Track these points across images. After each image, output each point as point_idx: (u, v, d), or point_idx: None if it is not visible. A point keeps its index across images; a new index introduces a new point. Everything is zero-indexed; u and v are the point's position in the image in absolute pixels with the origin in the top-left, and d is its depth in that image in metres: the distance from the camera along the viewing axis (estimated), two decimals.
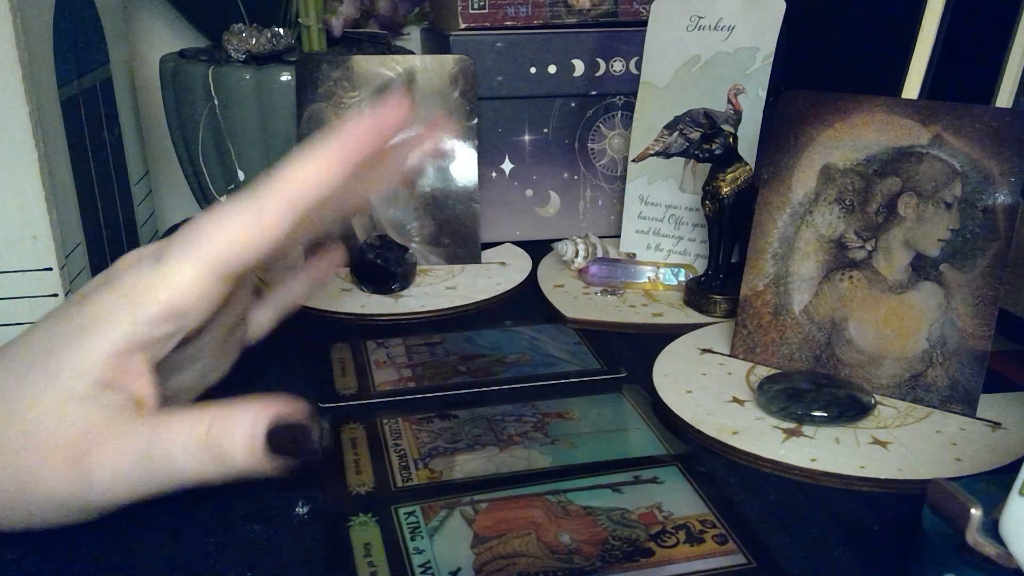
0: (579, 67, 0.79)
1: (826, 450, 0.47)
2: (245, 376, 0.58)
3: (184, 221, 0.94)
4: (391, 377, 0.57)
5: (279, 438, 0.37)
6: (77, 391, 0.38)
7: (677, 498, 0.43)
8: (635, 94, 0.77)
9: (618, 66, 0.79)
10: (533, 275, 0.74)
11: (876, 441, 0.48)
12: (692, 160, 0.70)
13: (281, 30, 0.77)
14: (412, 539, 0.40)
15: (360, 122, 0.39)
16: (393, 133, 0.40)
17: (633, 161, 0.76)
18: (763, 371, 0.56)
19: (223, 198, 0.79)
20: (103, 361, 0.38)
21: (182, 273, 0.38)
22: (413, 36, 0.94)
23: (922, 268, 0.53)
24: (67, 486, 0.38)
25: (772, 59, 0.70)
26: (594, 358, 0.60)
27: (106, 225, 0.71)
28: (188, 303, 0.39)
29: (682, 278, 0.70)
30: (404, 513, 0.42)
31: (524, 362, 0.59)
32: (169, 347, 0.40)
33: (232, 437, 0.37)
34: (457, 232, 0.75)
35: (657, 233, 0.76)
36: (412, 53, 0.85)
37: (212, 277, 0.39)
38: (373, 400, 0.54)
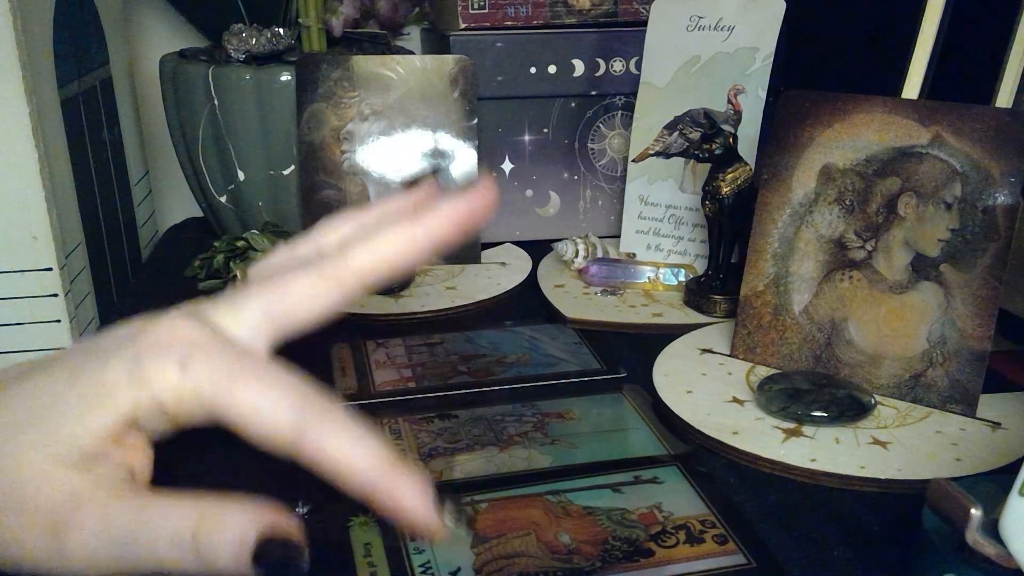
0: (579, 67, 0.79)
1: (826, 450, 0.47)
2: None
3: (185, 221, 0.94)
4: (391, 377, 0.57)
5: (269, 551, 0.34)
6: (70, 458, 0.36)
7: (677, 498, 0.43)
8: (635, 94, 0.77)
9: (618, 66, 0.79)
10: (533, 275, 0.74)
11: (876, 441, 0.48)
12: (692, 160, 0.70)
13: (281, 30, 0.77)
14: (412, 539, 0.40)
15: (452, 208, 0.36)
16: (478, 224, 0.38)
17: (633, 161, 0.76)
18: (763, 371, 0.56)
19: (223, 198, 0.79)
20: (104, 433, 0.36)
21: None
22: (413, 36, 0.94)
23: (922, 268, 0.53)
24: (42, 554, 0.36)
25: (772, 59, 0.70)
26: (594, 358, 0.60)
27: (106, 225, 0.71)
28: None
29: (682, 278, 0.70)
30: None
31: (524, 362, 0.59)
32: (170, 424, 0.38)
33: (221, 538, 0.35)
34: None
35: (657, 233, 0.76)
36: (412, 53, 0.85)
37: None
38: (373, 400, 0.54)
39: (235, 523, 0.35)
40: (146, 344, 0.37)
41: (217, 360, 0.36)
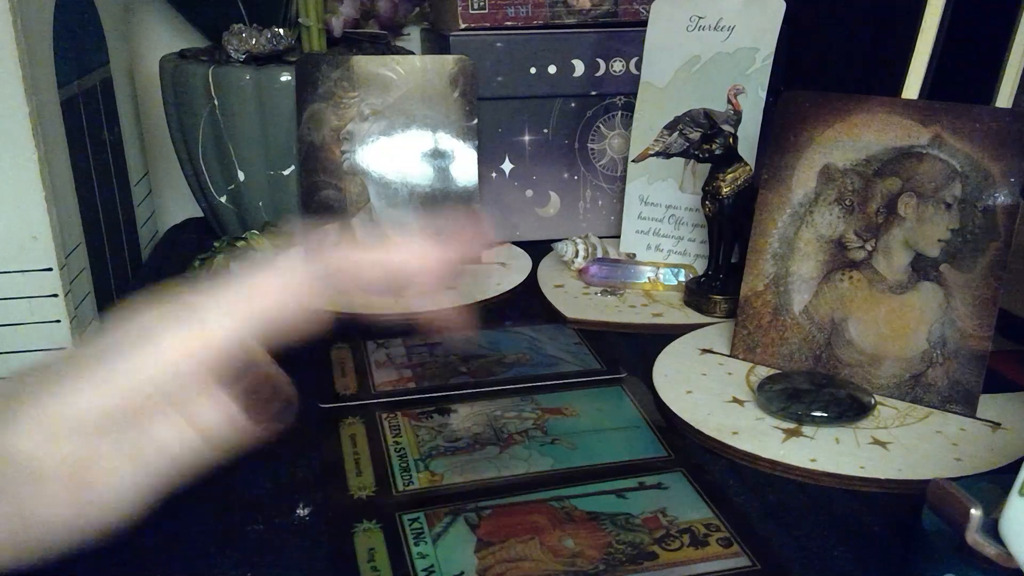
0: (579, 67, 0.79)
1: (826, 450, 0.47)
2: None
3: (185, 222, 0.94)
4: (391, 377, 0.57)
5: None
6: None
7: (682, 503, 0.43)
8: (635, 94, 0.77)
9: (618, 66, 0.79)
10: (533, 275, 0.74)
11: (876, 441, 0.48)
12: (692, 160, 0.70)
13: (281, 30, 0.77)
14: (416, 544, 0.40)
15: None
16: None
17: (633, 161, 0.76)
18: (763, 371, 0.56)
19: (223, 198, 0.79)
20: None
21: None
22: (413, 36, 0.94)
23: (922, 268, 0.53)
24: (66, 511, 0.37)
25: (772, 59, 0.70)
26: (594, 358, 0.60)
27: (106, 225, 0.71)
28: None
29: (682, 278, 0.70)
30: (408, 519, 0.42)
31: (524, 362, 0.59)
32: None
33: (211, 414, 0.38)
34: None
35: (657, 233, 0.76)
36: (412, 53, 0.85)
37: None
38: (373, 400, 0.54)
39: (211, 403, 0.37)
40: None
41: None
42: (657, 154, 0.70)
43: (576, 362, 0.59)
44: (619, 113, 0.81)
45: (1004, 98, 0.54)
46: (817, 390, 0.51)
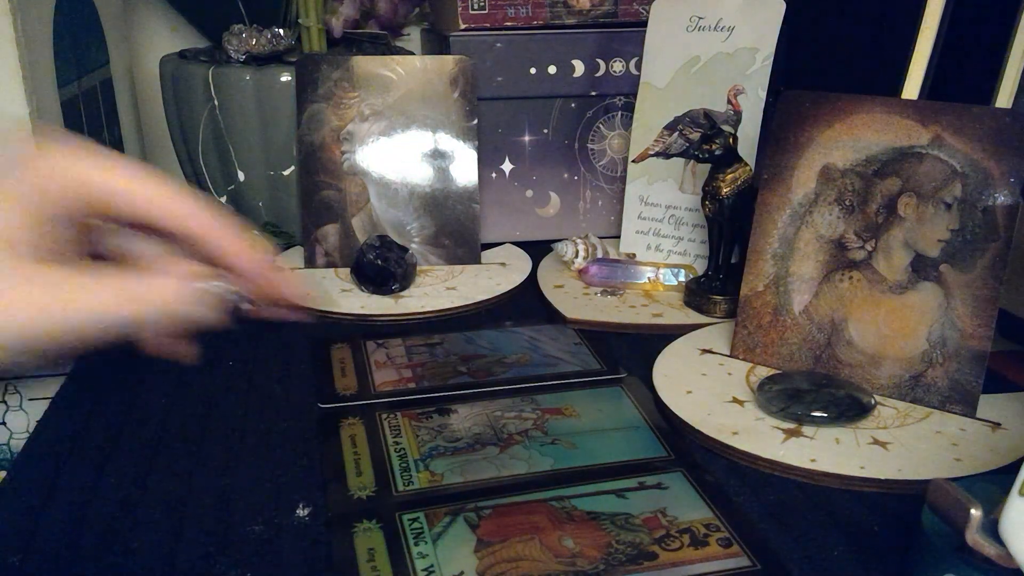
0: (579, 67, 0.79)
1: (826, 450, 0.47)
2: (245, 376, 0.58)
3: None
4: (391, 377, 0.57)
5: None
6: None
7: (682, 503, 0.43)
8: (635, 94, 0.77)
9: (618, 66, 0.79)
10: (533, 275, 0.74)
11: (876, 441, 0.48)
12: (692, 160, 0.70)
13: (281, 31, 0.77)
14: (416, 544, 0.40)
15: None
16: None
17: (633, 161, 0.76)
18: (763, 371, 0.56)
19: (223, 199, 0.79)
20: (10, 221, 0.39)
21: None
22: (413, 36, 0.95)
23: (922, 268, 0.53)
24: None
25: (772, 59, 0.70)
26: (594, 358, 0.60)
27: None
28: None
29: (682, 278, 0.70)
30: (408, 519, 0.42)
31: (524, 362, 0.59)
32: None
33: (154, 295, 0.40)
34: (457, 232, 0.75)
35: (657, 233, 0.76)
36: (412, 53, 0.85)
37: None
38: (373, 400, 0.54)
39: (174, 271, 0.40)
40: (44, 145, 0.40)
41: (111, 157, 0.40)
42: (657, 154, 0.70)
43: (576, 362, 0.59)
44: (619, 113, 0.81)
45: (1004, 98, 0.54)
46: (817, 390, 0.51)
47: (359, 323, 0.66)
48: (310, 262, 0.74)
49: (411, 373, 0.57)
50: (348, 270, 0.72)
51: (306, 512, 0.43)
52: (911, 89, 0.56)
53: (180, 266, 0.41)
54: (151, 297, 0.40)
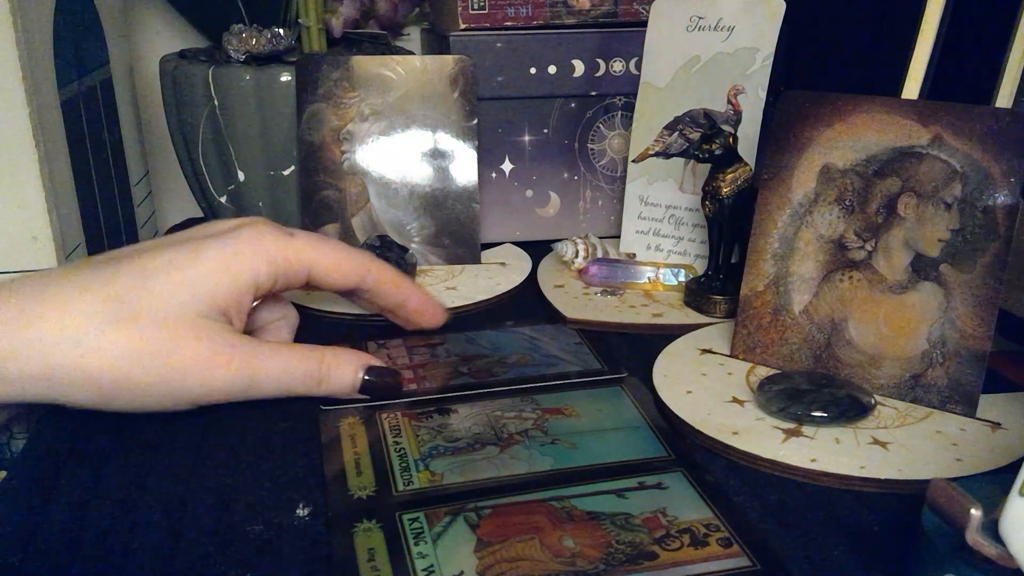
0: (579, 67, 0.79)
1: (826, 450, 0.47)
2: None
3: (185, 221, 0.94)
4: None
5: (376, 379, 0.52)
6: (211, 312, 0.48)
7: (682, 503, 0.43)
8: (635, 94, 0.77)
9: (618, 66, 0.79)
10: (533, 275, 0.74)
11: (876, 441, 0.48)
12: (692, 160, 0.70)
13: (281, 30, 0.77)
14: (416, 544, 0.40)
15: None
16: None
17: (633, 161, 0.76)
18: (763, 371, 0.56)
19: (223, 199, 0.79)
20: (235, 293, 0.49)
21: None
22: (413, 36, 0.95)
23: (922, 268, 0.53)
24: (189, 388, 0.49)
25: (772, 59, 0.70)
26: (594, 358, 0.60)
27: (106, 225, 0.71)
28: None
29: (682, 278, 0.70)
30: (408, 519, 0.42)
31: (524, 363, 0.59)
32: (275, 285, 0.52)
33: (341, 372, 0.51)
34: (457, 232, 0.75)
35: (657, 233, 0.76)
36: (412, 53, 0.85)
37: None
38: (372, 401, 0.54)
39: (351, 361, 0.52)
40: (258, 224, 0.51)
41: (309, 235, 0.53)
42: (657, 154, 0.70)
43: (576, 362, 0.59)
44: (619, 113, 0.81)
45: (1004, 98, 0.54)
46: (817, 390, 0.51)
47: (359, 323, 0.66)
48: None
49: (411, 374, 0.57)
50: None
51: (306, 512, 0.43)
52: (911, 89, 0.56)
53: (354, 356, 0.53)
54: (331, 384, 0.51)
